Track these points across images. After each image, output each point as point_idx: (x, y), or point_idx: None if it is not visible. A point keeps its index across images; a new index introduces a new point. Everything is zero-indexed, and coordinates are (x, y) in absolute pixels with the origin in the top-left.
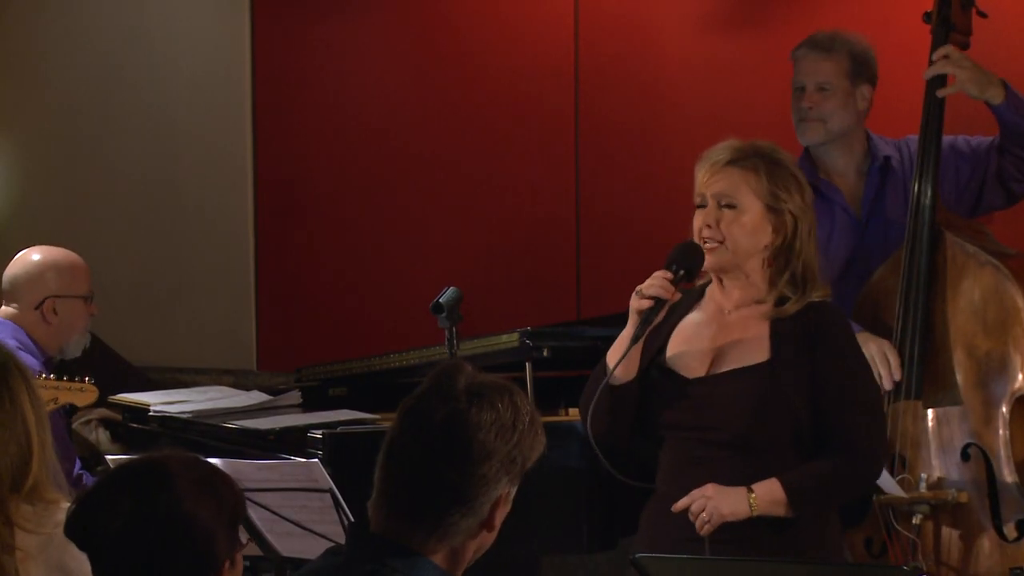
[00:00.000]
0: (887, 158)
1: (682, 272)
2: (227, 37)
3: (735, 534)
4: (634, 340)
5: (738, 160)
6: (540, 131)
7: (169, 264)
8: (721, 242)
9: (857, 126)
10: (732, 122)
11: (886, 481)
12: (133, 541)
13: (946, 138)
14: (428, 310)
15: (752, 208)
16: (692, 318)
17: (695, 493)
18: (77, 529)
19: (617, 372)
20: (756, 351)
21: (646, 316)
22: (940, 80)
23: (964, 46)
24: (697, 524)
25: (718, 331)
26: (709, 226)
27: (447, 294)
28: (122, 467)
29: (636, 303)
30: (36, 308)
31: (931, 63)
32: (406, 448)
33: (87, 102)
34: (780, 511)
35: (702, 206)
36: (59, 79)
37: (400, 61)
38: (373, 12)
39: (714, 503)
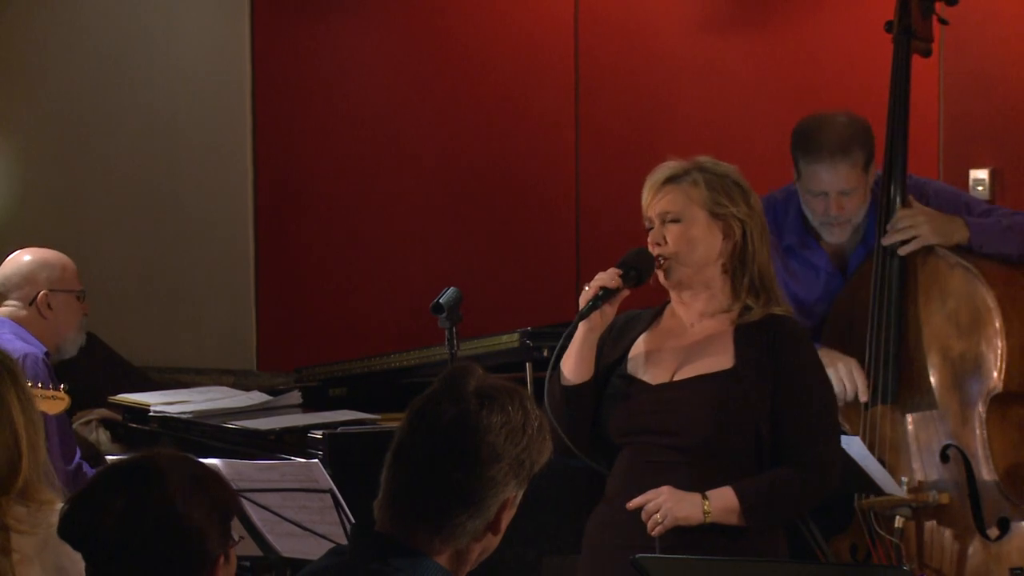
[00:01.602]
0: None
1: (632, 273)
2: (227, 36)
3: (683, 540)
4: (578, 319)
5: (676, 176)
6: (540, 131)
7: (169, 264)
8: (670, 258)
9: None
10: (730, 123)
11: (885, 480)
12: (126, 539)
13: (951, 189)
14: (428, 310)
15: (696, 218)
16: (653, 331)
17: (650, 493)
18: (70, 529)
19: (569, 374)
20: (720, 358)
21: (591, 302)
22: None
23: (926, 53)
24: (649, 524)
25: (681, 341)
26: (659, 244)
27: (447, 294)
28: (113, 466)
29: (584, 296)
30: (31, 304)
31: (886, 231)
32: (414, 448)
33: (87, 102)
34: (733, 519)
35: (649, 229)
36: (59, 79)
37: (400, 61)
38: (373, 13)
39: (669, 505)
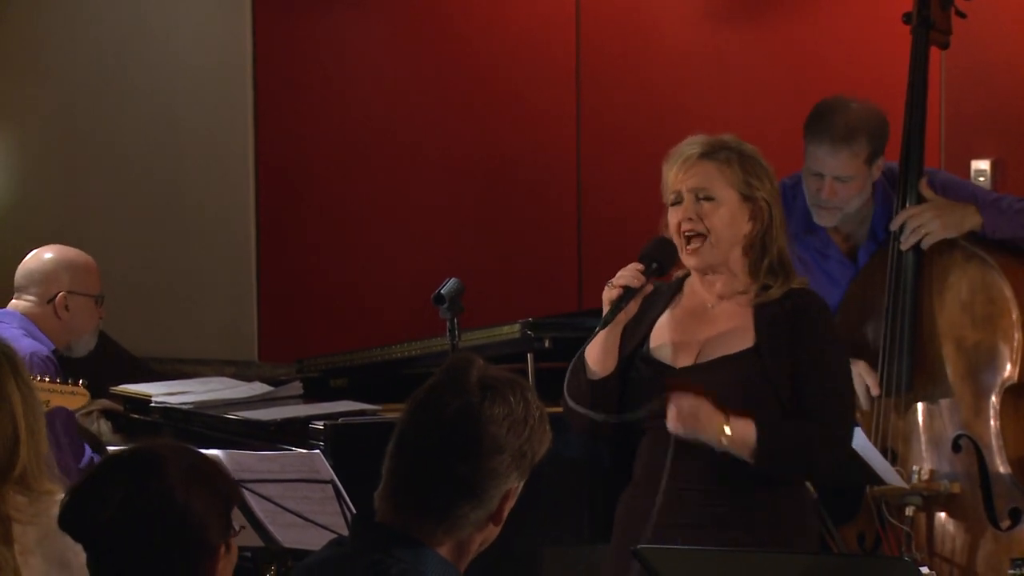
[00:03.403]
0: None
1: (654, 266)
2: (228, 29)
3: (704, 519)
4: (603, 325)
5: (710, 153)
6: (542, 122)
7: (171, 256)
8: (703, 235)
9: (869, 194)
10: (732, 115)
11: (886, 471)
12: (126, 530)
13: (958, 180)
14: (429, 301)
15: (729, 199)
16: (674, 311)
17: (683, 402)
18: (71, 520)
19: (595, 366)
20: (742, 338)
21: (615, 304)
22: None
23: (944, 45)
24: (670, 418)
25: (703, 322)
26: (691, 219)
27: (448, 285)
28: (113, 457)
29: (607, 293)
30: (48, 302)
31: (898, 229)
32: (417, 440)
33: (88, 95)
34: (744, 453)
35: (676, 203)
36: (61, 72)
37: (401, 53)
38: (374, 5)
39: (695, 417)
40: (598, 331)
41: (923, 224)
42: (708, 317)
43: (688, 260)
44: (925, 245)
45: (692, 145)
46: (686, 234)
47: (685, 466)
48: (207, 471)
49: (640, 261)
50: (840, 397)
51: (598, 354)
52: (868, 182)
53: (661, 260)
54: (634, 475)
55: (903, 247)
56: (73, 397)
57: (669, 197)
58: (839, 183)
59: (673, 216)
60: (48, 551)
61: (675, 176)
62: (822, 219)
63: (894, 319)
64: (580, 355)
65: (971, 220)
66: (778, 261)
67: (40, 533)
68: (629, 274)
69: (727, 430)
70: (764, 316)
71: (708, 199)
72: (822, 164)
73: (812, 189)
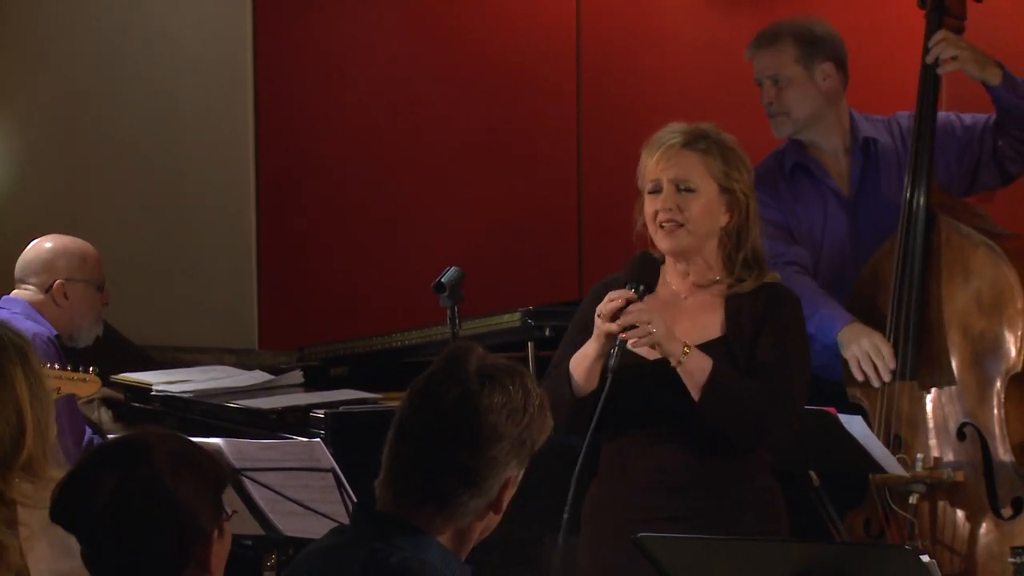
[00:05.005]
0: (869, 140)
1: (642, 288)
2: (229, 18)
3: (679, 512)
4: (613, 371)
5: (691, 143)
6: (542, 110)
7: (172, 244)
8: (681, 225)
9: (828, 106)
10: (732, 101)
11: (886, 459)
12: (118, 519)
13: (941, 115)
14: (430, 289)
15: (708, 190)
16: (648, 303)
17: (643, 312)
18: (62, 511)
19: (582, 381)
20: (712, 328)
21: (619, 347)
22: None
23: (958, 30)
24: (633, 337)
25: (675, 313)
26: (670, 209)
27: (449, 273)
28: (102, 447)
29: (603, 326)
30: (47, 291)
31: (927, 49)
32: (416, 429)
33: (90, 83)
34: (693, 381)
35: (655, 191)
36: (62, 61)
37: (402, 40)
38: None
39: (658, 330)
40: (609, 377)
41: (956, 46)
42: (681, 308)
43: (662, 243)
44: (950, 68)
45: (673, 134)
46: (663, 223)
47: (655, 458)
48: (194, 456)
49: (627, 286)
50: (789, 373)
51: (586, 372)
52: (810, 88)
53: (648, 280)
54: (601, 467)
55: (928, 60)
56: (84, 384)
57: (647, 185)
58: (777, 87)
59: (650, 205)
60: (53, 537)
61: (655, 164)
62: (776, 128)
63: (901, 306)
64: (557, 366)
65: (993, 69)
66: (752, 255)
67: (45, 517)
68: (635, 312)
69: (686, 351)
70: (734, 307)
71: (688, 190)
72: (757, 70)
73: (763, 102)
